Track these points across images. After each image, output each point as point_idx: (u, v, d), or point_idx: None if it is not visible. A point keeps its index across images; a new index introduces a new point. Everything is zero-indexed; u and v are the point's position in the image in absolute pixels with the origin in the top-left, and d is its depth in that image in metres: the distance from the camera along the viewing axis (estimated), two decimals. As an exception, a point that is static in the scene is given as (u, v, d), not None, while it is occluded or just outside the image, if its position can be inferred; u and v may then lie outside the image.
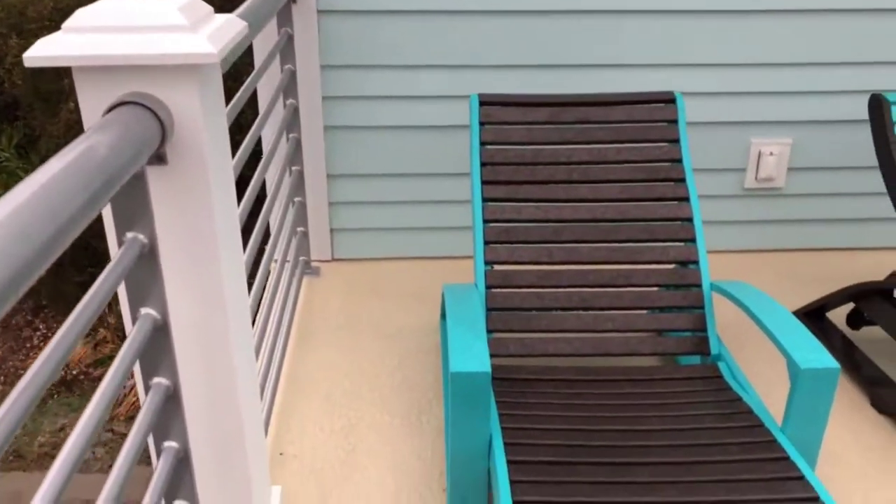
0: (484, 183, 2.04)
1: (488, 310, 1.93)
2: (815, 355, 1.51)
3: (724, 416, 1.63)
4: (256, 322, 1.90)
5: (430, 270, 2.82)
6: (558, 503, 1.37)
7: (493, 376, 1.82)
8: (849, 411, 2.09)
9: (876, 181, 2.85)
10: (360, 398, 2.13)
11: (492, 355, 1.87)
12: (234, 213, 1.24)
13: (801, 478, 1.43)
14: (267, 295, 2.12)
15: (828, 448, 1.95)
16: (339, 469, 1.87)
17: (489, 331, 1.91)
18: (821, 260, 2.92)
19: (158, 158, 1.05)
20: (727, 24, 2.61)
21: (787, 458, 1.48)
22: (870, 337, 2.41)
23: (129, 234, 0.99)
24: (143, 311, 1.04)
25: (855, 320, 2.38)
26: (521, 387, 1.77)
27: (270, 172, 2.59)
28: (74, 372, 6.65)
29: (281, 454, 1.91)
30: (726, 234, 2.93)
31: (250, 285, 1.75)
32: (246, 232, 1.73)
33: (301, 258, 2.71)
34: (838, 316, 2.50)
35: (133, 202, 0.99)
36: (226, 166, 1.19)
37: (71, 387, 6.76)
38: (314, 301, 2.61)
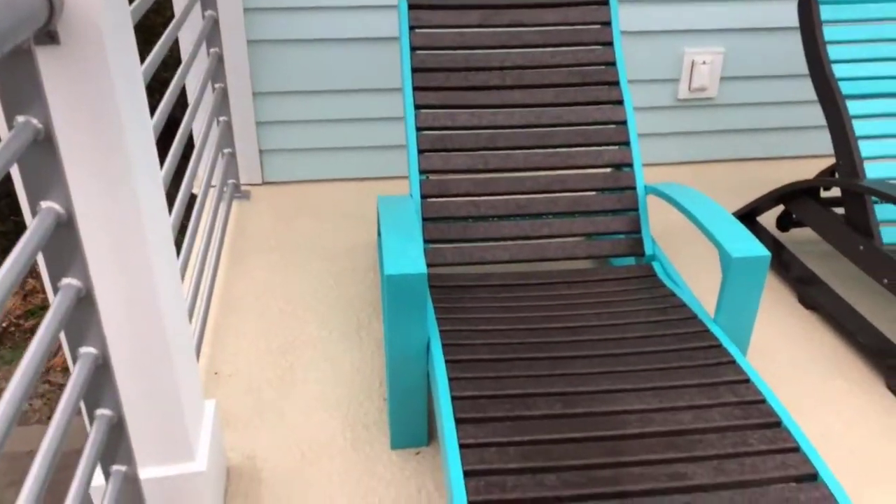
0: (416, 90, 1.97)
1: (424, 220, 1.90)
2: (746, 245, 1.53)
3: (658, 311, 1.65)
4: (183, 244, 1.82)
5: (365, 191, 2.76)
6: (496, 396, 1.36)
7: (431, 284, 1.79)
8: (778, 309, 2.15)
9: (805, 89, 2.89)
10: (297, 317, 2.08)
11: (429, 265, 1.85)
12: (143, 114, 1.15)
13: (733, 362, 1.46)
14: (193, 217, 2.03)
15: (758, 343, 2.01)
16: (278, 385, 1.83)
17: (426, 241, 1.88)
18: (752, 169, 2.97)
19: (49, 37, 0.95)
20: (660, -73, 2.56)
21: (719, 346, 1.51)
22: (798, 238, 2.48)
23: (20, 118, 0.91)
24: (45, 205, 0.96)
25: (784, 223, 2.43)
26: (459, 293, 1.75)
27: (191, 87, 2.46)
28: (4, 324, 6.42)
29: (216, 374, 1.86)
30: (661, 146, 2.94)
31: (173, 204, 1.66)
32: (166, 150, 1.64)
33: (230, 181, 2.61)
34: (768, 220, 2.55)
35: (21, 83, 0.90)
36: (131, 61, 1.09)
37: (2, 340, 6.52)
38: (246, 225, 2.53)
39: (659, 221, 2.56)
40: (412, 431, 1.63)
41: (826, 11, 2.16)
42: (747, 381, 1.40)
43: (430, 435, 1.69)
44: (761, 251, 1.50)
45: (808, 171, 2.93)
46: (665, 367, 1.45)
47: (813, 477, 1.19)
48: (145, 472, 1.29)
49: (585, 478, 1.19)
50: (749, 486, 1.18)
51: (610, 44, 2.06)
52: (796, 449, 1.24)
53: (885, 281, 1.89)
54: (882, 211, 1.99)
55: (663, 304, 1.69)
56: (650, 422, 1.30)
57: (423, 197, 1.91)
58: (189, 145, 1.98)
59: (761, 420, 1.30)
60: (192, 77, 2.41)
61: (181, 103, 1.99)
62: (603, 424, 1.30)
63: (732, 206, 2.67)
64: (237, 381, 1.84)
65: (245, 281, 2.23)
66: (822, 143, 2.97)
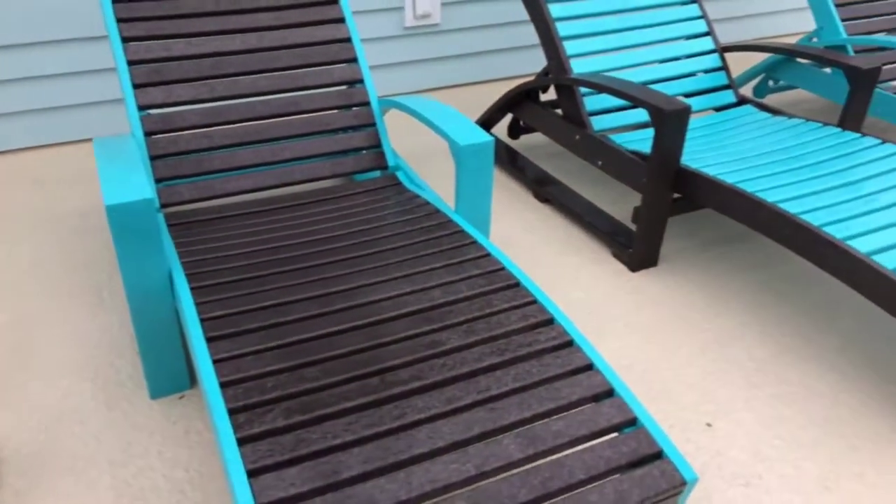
0: (120, 21, 1.81)
1: (152, 158, 1.77)
2: (472, 134, 1.61)
3: (405, 211, 1.70)
4: None
5: (87, 153, 2.52)
6: (248, 310, 1.32)
7: (169, 223, 1.68)
8: (517, 206, 2.32)
9: (519, 9, 3.09)
10: (23, 290, 1.86)
11: (164, 204, 1.73)
12: None
13: (474, 242, 1.54)
14: None
15: (502, 236, 2.15)
16: (12, 359, 1.63)
17: (158, 180, 1.76)
18: (482, 91, 3.14)
19: None
20: None
21: (461, 231, 1.59)
22: (528, 144, 2.68)
23: None
24: None
25: (514, 131, 2.61)
26: (200, 227, 1.67)
27: None
28: None
29: (-73, 363, 1.61)
30: (393, 76, 3.01)
31: None
32: None
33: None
34: (500, 130, 2.73)
35: None
36: None
37: None
38: (-55, 203, 2.20)
39: (406, 144, 2.63)
40: (171, 376, 1.54)
41: (520, -75, 2.32)
42: (488, 255, 1.49)
43: (192, 378, 1.60)
44: (485, 137, 1.59)
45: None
46: (414, 257, 1.50)
47: (549, 321, 1.31)
48: None
49: (346, 364, 1.20)
50: (497, 340, 1.26)
51: (324, -37, 2.04)
52: (533, 301, 1.35)
53: (600, 163, 2.11)
54: (591, 103, 2.20)
55: (409, 205, 1.74)
56: (404, 304, 1.34)
57: (147, 134, 1.78)
58: None
59: (502, 284, 1.40)
60: None
61: None
62: (360, 315, 1.31)
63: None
64: (-45, 366, 1.61)
65: (-48, 261, 1.94)
66: (543, 60, 3.22)
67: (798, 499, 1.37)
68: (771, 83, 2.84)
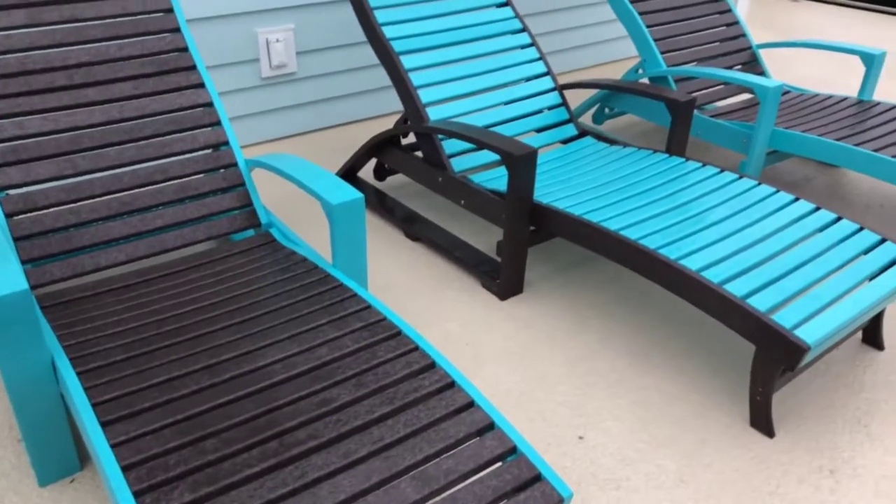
0: (-32, 102, 1.77)
1: (16, 240, 1.74)
2: (342, 192, 1.71)
3: (283, 269, 1.77)
4: None
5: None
6: (139, 389, 1.35)
7: (42, 305, 1.67)
8: (391, 247, 2.43)
9: (372, 54, 3.22)
10: None
11: (35, 286, 1.71)
12: None
13: (354, 295, 1.64)
14: None
15: (380, 279, 2.26)
16: None
17: (24, 262, 1.73)
18: (343, 134, 3.25)
19: None
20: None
21: (341, 285, 1.68)
22: (395, 184, 2.81)
23: None
24: None
25: (380, 173, 2.72)
26: (77, 306, 1.66)
27: None
28: None
29: None
30: (254, 126, 3.05)
31: None
32: None
33: None
34: (367, 174, 2.84)
35: None
36: None
37: None
38: None
39: (274, 194, 2.68)
40: (60, 460, 1.53)
41: (367, -18, 2.45)
42: (368, 306, 1.60)
43: (82, 459, 1.59)
44: (355, 194, 1.70)
45: (392, 125, 3.30)
46: (299, 316, 1.57)
47: (431, 366, 1.43)
48: None
49: (244, 431, 1.26)
50: (385, 390, 1.36)
51: (178, 30, 2.08)
52: (415, 348, 1.47)
53: (462, 202, 2.26)
54: (449, 146, 2.36)
55: (287, 262, 1.81)
56: (293, 365, 1.42)
57: (8, 216, 1.74)
58: None
59: (385, 334, 1.50)
60: None
61: None
62: (252, 381, 1.38)
63: (333, 169, 2.90)
64: None
65: None
66: (398, 100, 3.37)
67: (661, 494, 1.56)
68: (607, 110, 3.13)
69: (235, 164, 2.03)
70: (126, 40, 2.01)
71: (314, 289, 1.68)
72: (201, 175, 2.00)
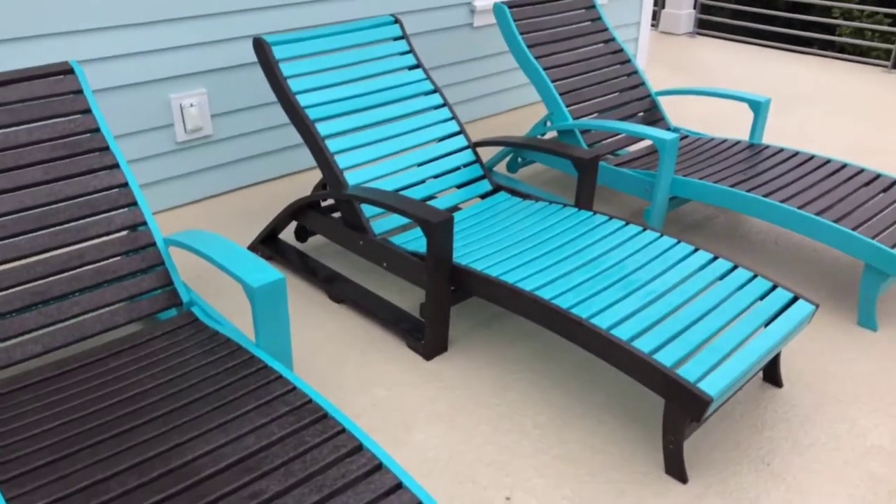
0: None
1: (-75, 339, 1.69)
2: (263, 274, 1.74)
3: (207, 352, 1.78)
4: None
5: None
6: (66, 496, 1.34)
7: (-45, 407, 1.63)
8: (314, 311, 2.46)
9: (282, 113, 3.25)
10: None
11: (-54, 386, 1.67)
12: None
13: (280, 377, 1.67)
14: None
15: (305, 346, 2.28)
16: None
17: (-65, 361, 1.69)
18: (263, 192, 3.26)
19: None
20: (109, -15, 2.61)
21: (265, 367, 1.70)
22: (317, 244, 2.84)
23: None
24: None
25: (301, 234, 2.76)
26: (-7, 405, 1.63)
27: None
28: None
29: None
30: (171, 190, 3.04)
31: None
32: None
33: None
34: (288, 235, 2.86)
35: None
36: None
37: None
38: None
39: (192, 265, 2.67)
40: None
41: (279, 51, 2.49)
42: (294, 388, 1.63)
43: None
44: (275, 276, 1.73)
45: (312, 180, 3.34)
46: (224, 403, 1.59)
47: (359, 448, 1.47)
48: None
49: (175, 534, 1.27)
50: (314, 477, 1.40)
51: (88, 111, 2.07)
52: (342, 430, 1.51)
53: (385, 264, 2.32)
54: (368, 210, 2.42)
55: (210, 344, 1.82)
56: (222, 457, 1.43)
57: (-83, 315, 1.70)
58: None
59: (311, 418, 1.54)
60: None
61: None
62: (180, 477, 1.38)
63: (253, 230, 2.92)
64: None
65: None
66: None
67: (585, 549, 1.64)
68: (520, 160, 3.26)
69: (154, 244, 2.03)
70: (35, 124, 2.00)
71: (239, 372, 1.69)
72: (119, 257, 1.99)
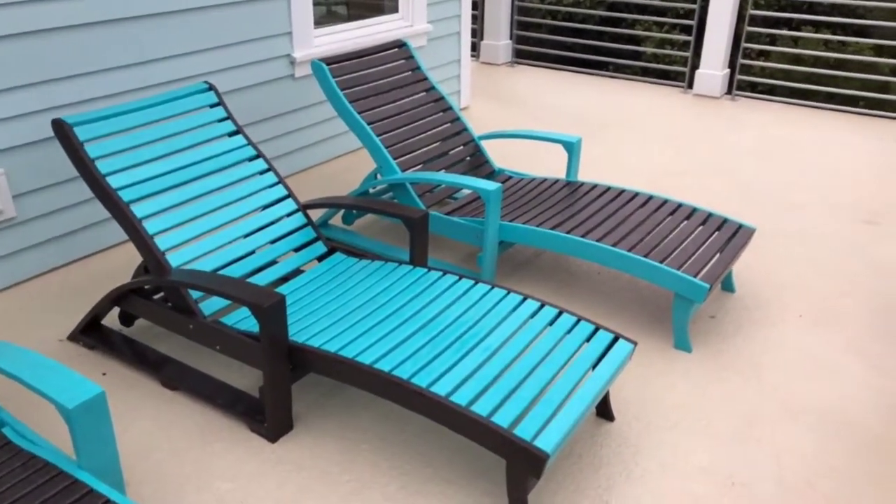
0: None
1: None
2: (79, 390, 1.62)
3: (24, 481, 1.62)
4: None
5: None
6: None
7: None
8: (148, 402, 2.32)
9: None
10: None
11: None
12: None
13: (108, 501, 1.56)
14: None
15: (138, 445, 2.15)
16: None
17: None
18: (81, 270, 3.04)
19: None
20: None
21: (91, 491, 1.59)
22: (145, 326, 2.68)
23: None
24: None
25: (126, 318, 2.60)
26: None
27: None
28: None
29: None
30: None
31: None
32: None
33: None
34: (112, 320, 2.68)
35: None
36: None
37: None
38: None
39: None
40: None
41: (83, 132, 2.34)
42: (123, 513, 1.53)
43: None
44: (94, 390, 1.62)
45: (134, 252, 3.14)
46: (45, 543, 1.46)
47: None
48: None
49: None
50: None
51: None
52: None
53: (218, 347, 2.24)
54: (195, 291, 2.32)
55: (27, 471, 1.66)
56: None
57: None
58: None
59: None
60: None
61: None
62: None
63: (77, 314, 2.71)
64: None
65: None
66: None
67: None
68: (354, 212, 3.26)
69: (-50, 364, 1.84)
70: None
71: (62, 501, 1.57)
72: None
